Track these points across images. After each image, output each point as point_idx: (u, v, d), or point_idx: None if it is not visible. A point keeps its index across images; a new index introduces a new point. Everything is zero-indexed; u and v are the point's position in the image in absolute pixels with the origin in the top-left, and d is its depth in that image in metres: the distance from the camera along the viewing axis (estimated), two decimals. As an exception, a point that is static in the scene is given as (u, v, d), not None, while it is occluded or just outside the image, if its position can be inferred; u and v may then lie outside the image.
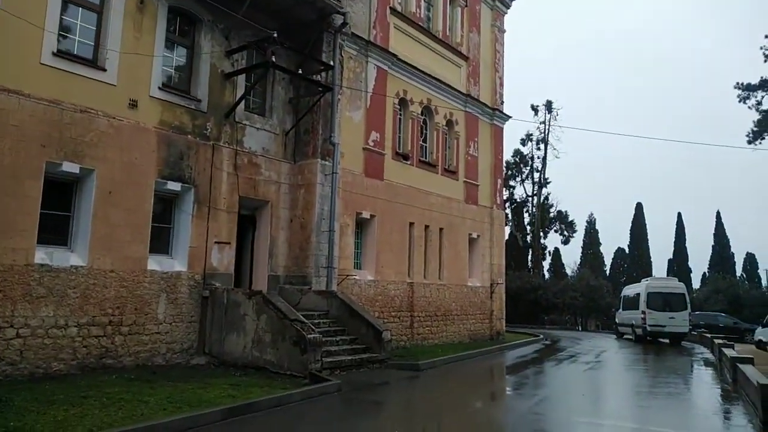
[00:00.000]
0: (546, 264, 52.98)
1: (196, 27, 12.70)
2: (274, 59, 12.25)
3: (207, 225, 12.42)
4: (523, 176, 50.25)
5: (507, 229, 49.60)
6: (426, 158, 18.34)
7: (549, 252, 52.58)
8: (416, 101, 17.68)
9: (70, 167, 10.23)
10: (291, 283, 13.98)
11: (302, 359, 10.32)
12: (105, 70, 10.84)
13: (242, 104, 13.33)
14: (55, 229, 10.35)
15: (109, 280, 10.70)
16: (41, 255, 9.75)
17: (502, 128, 22.15)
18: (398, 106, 17.14)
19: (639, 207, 55.72)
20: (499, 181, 21.83)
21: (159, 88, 11.72)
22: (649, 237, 54.72)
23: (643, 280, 26.09)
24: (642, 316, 23.38)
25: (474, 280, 20.26)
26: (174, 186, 11.87)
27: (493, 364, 15.51)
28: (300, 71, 13.60)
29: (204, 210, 12.39)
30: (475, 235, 20.25)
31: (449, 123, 19.35)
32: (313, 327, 10.95)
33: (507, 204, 50.17)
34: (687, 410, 9.91)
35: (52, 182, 10.18)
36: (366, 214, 15.61)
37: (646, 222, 55.03)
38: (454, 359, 14.85)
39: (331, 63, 14.04)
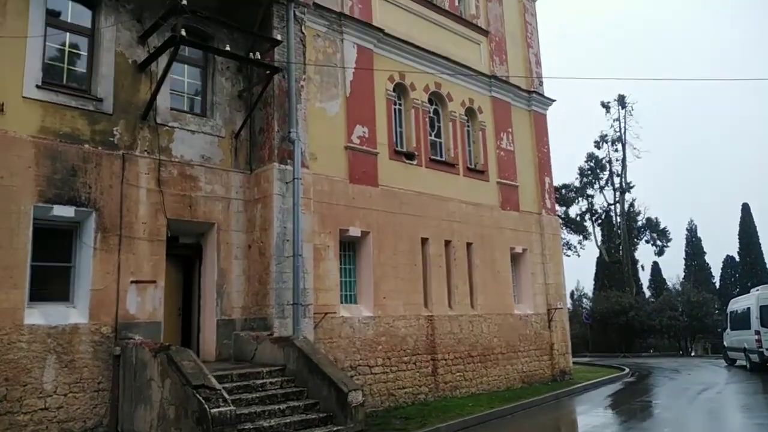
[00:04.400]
0: (645, 281, 46.55)
1: (95, 9, 9.95)
2: (184, 33, 9.19)
3: (118, 259, 9.39)
4: (602, 183, 44.68)
5: (590, 244, 44.21)
6: (440, 156, 14.60)
7: (642, 267, 46.03)
8: (419, 86, 14.10)
9: None
10: (251, 328, 10.62)
11: (206, 446, 6.88)
12: (-53, 65, 8.24)
13: (167, 102, 10.39)
14: None
15: (-38, 343, 7.84)
16: None
17: (544, 115, 17.97)
18: (393, 94, 13.63)
19: (746, 208, 47.93)
20: (548, 180, 17.57)
21: (38, 86, 8.95)
22: (761, 241, 46.82)
23: (753, 290, 20.45)
24: (756, 337, 17.97)
25: (523, 307, 15.99)
26: (64, 211, 8.95)
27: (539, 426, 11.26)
28: (253, 57, 10.46)
29: (112, 240, 9.37)
30: (519, 249, 16.07)
31: (470, 111, 15.54)
32: (228, 395, 7.45)
33: (587, 216, 44.76)
34: None
35: None
36: (355, 231, 12.06)
37: (756, 224, 47.23)
38: (484, 419, 10.81)
39: (279, 38, 10.82)
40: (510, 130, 16.53)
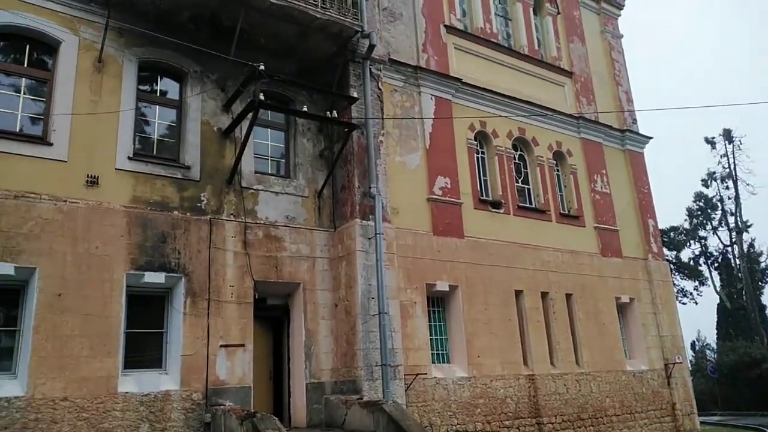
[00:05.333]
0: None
1: (182, 81, 10.46)
2: (262, 98, 9.39)
3: (207, 324, 9.38)
4: (714, 223, 41.20)
5: (708, 290, 40.45)
6: (529, 203, 13.86)
7: (769, 312, 41.27)
8: (502, 133, 13.62)
9: (2, 269, 7.99)
10: (341, 391, 10.18)
11: None
12: (51, 144, 8.80)
13: (251, 166, 10.58)
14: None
15: (60, 413, 7.94)
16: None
17: (641, 153, 16.80)
18: (475, 142, 13.22)
19: None
20: (651, 222, 16.19)
21: (129, 158, 9.39)
22: None
23: None
24: None
25: (636, 363, 14.45)
26: (155, 278, 9.13)
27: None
28: (330, 116, 10.54)
29: (201, 304, 9.41)
30: (625, 299, 14.70)
31: (558, 155, 14.78)
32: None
33: (701, 259, 41.22)
34: None
35: (-17, 291, 8.05)
36: (442, 286, 11.48)
37: None
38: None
39: (356, 95, 10.84)
40: (604, 171, 15.53)
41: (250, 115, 9.69)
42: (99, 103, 9.27)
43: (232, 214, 10.14)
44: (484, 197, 12.97)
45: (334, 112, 10.48)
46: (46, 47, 9.29)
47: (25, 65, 9.17)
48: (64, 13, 9.29)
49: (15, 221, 8.21)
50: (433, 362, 11.14)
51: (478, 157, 13.29)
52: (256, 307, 10.02)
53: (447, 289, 11.55)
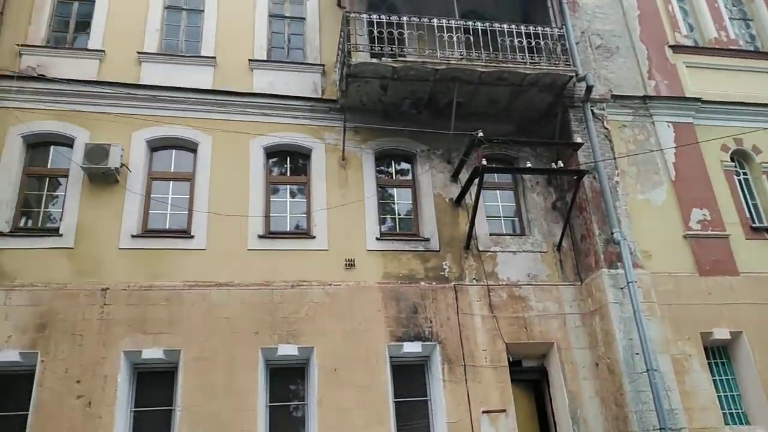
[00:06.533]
0: None
1: (412, 162, 11.29)
2: (485, 162, 9.63)
3: (466, 389, 9.51)
4: None
5: None
6: (820, 223, 11.47)
7: None
8: (766, 147, 11.72)
9: (286, 350, 9.27)
10: (618, 459, 9.28)
11: None
12: (314, 237, 10.15)
13: (485, 229, 10.75)
14: (285, 425, 9.22)
15: (345, 481, 8.70)
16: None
17: None
18: (732, 163, 11.56)
19: None
20: None
21: (377, 239, 10.32)
22: None
23: None
24: None
25: None
26: (412, 347, 9.64)
27: None
28: (555, 166, 10.39)
29: (458, 370, 9.61)
30: None
31: None
32: None
33: None
34: None
35: (273, 371, 9.39)
36: (721, 333, 9.95)
37: None
38: None
39: (581, 140, 10.45)
40: None
41: (476, 180, 9.98)
42: (346, 195, 10.47)
43: (474, 278, 10.34)
44: (757, 224, 11.13)
45: (560, 162, 10.22)
46: (302, 156, 10.92)
47: (288, 174, 10.89)
48: (311, 125, 10.88)
49: (293, 307, 9.52)
50: (727, 423, 9.56)
51: (739, 180, 11.58)
52: (511, 370, 9.85)
53: (728, 336, 9.99)
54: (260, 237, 9.91)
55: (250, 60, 11.05)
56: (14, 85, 9.85)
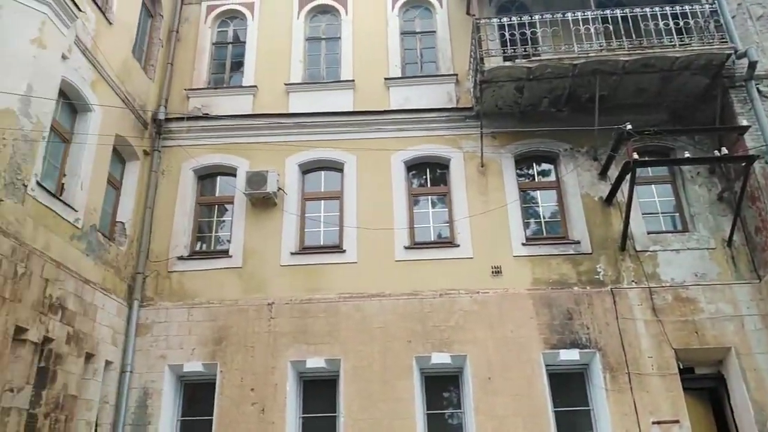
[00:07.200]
0: None
1: (555, 162, 10.92)
2: (636, 156, 9.03)
3: (632, 399, 8.93)
4: None
5: None
6: None
7: None
8: None
9: (440, 358, 9.38)
10: (822, 479, 8.12)
11: None
12: (458, 245, 10.19)
13: (642, 227, 10.06)
14: (444, 431, 9.31)
15: (510, 491, 8.54)
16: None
17: None
18: None
19: None
20: None
21: (523, 244, 10.11)
22: None
23: None
24: None
25: None
26: (569, 355, 9.28)
27: None
28: (719, 154, 9.50)
29: (622, 379, 9.06)
30: None
31: None
32: None
33: None
34: None
35: (427, 379, 9.54)
36: None
37: None
38: None
39: (746, 123, 9.41)
40: None
41: (628, 176, 9.40)
42: (488, 202, 10.38)
43: (633, 281, 9.70)
44: None
45: (724, 149, 9.29)
46: (440, 166, 11.04)
47: (429, 185, 11.07)
48: (448, 135, 10.98)
49: (443, 316, 9.61)
50: None
51: None
52: (682, 378, 9.07)
53: None
54: (406, 248, 10.17)
55: (385, 78, 11.46)
56: (184, 126, 11.14)
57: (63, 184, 8.66)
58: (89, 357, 8.67)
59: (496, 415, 8.91)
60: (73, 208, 8.56)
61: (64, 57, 8.44)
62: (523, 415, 8.89)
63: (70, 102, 8.98)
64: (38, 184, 7.80)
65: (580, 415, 9.25)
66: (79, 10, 8.58)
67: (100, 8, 9.57)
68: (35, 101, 7.68)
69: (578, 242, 10.04)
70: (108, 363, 9.15)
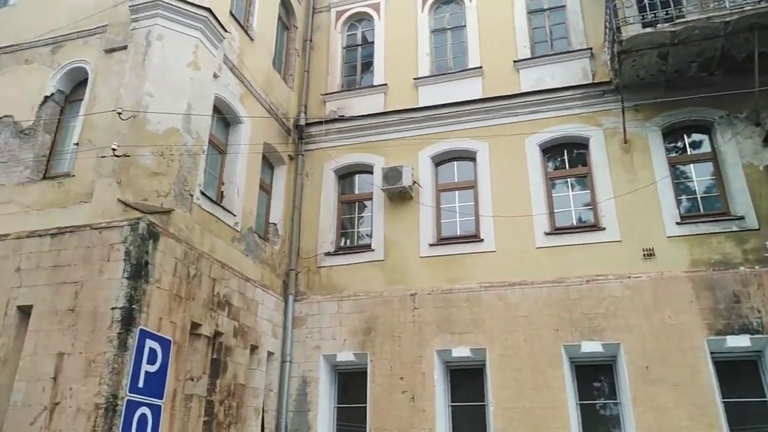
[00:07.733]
0: None
1: (709, 131, 9.95)
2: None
3: (819, 391, 7.96)
4: None
5: None
6: None
7: None
8: None
9: (590, 347, 9.03)
10: None
11: None
12: (604, 229, 9.70)
13: (822, 196, 8.90)
14: (595, 423, 8.96)
15: (679, 486, 8.04)
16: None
17: None
18: None
19: None
20: None
21: (677, 223, 9.38)
22: None
23: None
24: None
25: None
26: (738, 341, 8.48)
27: None
28: None
29: (804, 368, 8.12)
30: None
31: None
32: None
33: None
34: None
35: (578, 367, 9.23)
36: None
37: None
38: None
39: None
40: None
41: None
42: (634, 181, 9.76)
43: (810, 257, 8.62)
44: None
45: None
46: (578, 146, 10.56)
47: (567, 167, 10.64)
48: (585, 113, 10.44)
49: (591, 303, 9.22)
50: None
51: None
52: None
53: None
54: (547, 234, 9.89)
55: (514, 61, 11.19)
56: (323, 129, 11.77)
57: (222, 191, 9.57)
58: (253, 349, 9.52)
59: (657, 407, 8.39)
60: (232, 213, 9.43)
61: (215, 75, 9.31)
62: (687, 406, 8.29)
63: (223, 116, 9.88)
64: (202, 193, 8.70)
65: (754, 407, 8.42)
66: (225, 30, 9.40)
67: (242, 27, 10.40)
68: (194, 119, 8.58)
69: (742, 218, 9.10)
70: (270, 354, 9.98)
